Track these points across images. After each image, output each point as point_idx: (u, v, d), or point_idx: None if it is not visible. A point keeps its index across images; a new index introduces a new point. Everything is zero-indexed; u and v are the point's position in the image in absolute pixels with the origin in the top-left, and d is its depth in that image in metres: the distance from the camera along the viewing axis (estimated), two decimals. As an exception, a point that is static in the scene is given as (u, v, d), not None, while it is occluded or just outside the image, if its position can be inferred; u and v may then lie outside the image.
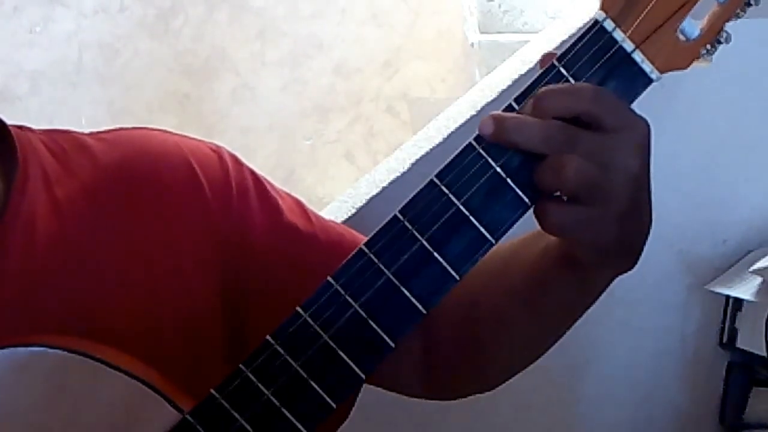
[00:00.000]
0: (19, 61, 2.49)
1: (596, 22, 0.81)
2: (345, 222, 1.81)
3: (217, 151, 1.05)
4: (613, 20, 0.81)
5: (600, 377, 2.13)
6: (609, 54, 0.81)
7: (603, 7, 0.82)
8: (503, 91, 1.88)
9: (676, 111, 1.98)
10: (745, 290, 2.03)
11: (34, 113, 2.47)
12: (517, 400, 2.02)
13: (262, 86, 2.70)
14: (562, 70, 0.81)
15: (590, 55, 0.81)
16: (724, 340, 2.13)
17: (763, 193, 2.12)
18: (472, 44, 2.83)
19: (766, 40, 1.94)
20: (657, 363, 2.15)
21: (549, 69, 0.82)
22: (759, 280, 1.99)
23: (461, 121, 1.88)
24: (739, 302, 2.08)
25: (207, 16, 2.64)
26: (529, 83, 0.82)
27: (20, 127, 1.02)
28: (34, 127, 1.04)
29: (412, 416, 1.92)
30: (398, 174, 1.86)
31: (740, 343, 2.09)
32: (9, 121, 1.01)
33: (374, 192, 1.85)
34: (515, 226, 0.83)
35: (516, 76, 1.90)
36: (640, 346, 2.13)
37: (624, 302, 2.00)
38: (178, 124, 2.53)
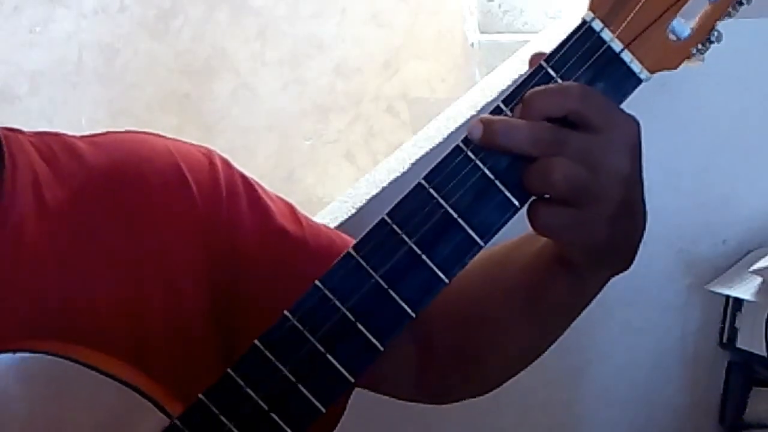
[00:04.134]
0: (19, 61, 2.49)
1: (584, 22, 0.81)
2: (345, 222, 1.81)
3: (208, 155, 1.05)
4: (602, 20, 0.81)
5: (600, 377, 2.13)
6: (597, 54, 0.81)
7: (591, 7, 0.81)
8: (503, 91, 1.87)
9: (676, 111, 1.97)
10: (745, 290, 2.03)
11: (34, 113, 2.47)
12: (517, 401, 2.02)
13: (262, 86, 2.70)
14: (550, 71, 0.81)
15: (578, 55, 0.81)
16: (724, 340, 2.13)
17: (763, 193, 2.12)
18: (472, 44, 2.83)
19: (766, 40, 1.94)
20: (657, 363, 2.15)
21: (537, 70, 0.81)
22: (759, 280, 1.99)
23: (461, 121, 1.88)
24: (739, 302, 2.08)
25: (207, 16, 2.63)
26: (517, 85, 0.81)
27: (10, 129, 1.01)
28: (25, 129, 1.04)
29: (412, 416, 1.92)
30: (398, 174, 1.86)
31: (740, 343, 2.09)
32: (3, 123, 1.01)
33: (374, 192, 1.85)
34: (506, 227, 0.83)
35: (516, 76, 1.90)
36: (640, 346, 2.13)
37: (624, 302, 2.00)
38: (178, 124, 2.52)
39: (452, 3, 2.83)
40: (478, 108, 1.89)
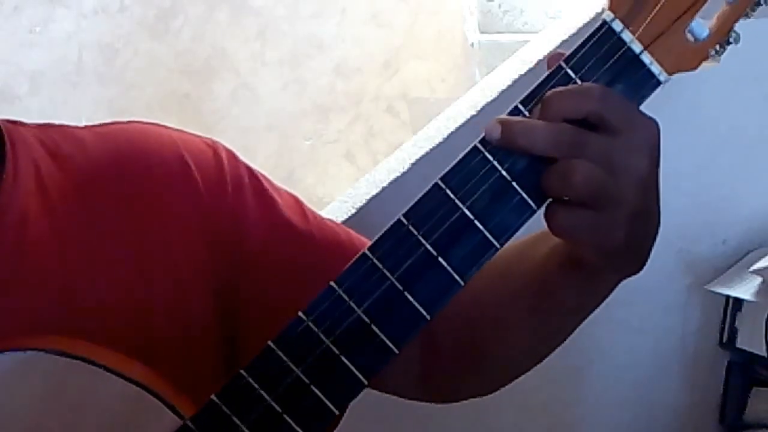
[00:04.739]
0: (19, 61, 2.48)
1: (604, 22, 0.80)
2: (345, 222, 1.80)
3: (213, 146, 1.04)
4: (622, 21, 0.80)
5: (600, 377, 2.13)
6: (617, 56, 0.80)
7: (611, 8, 0.80)
8: (503, 92, 1.88)
9: (676, 111, 1.97)
10: (745, 290, 2.03)
11: (34, 113, 2.45)
12: (518, 401, 2.02)
13: (262, 86, 2.69)
14: (570, 72, 0.80)
15: (598, 56, 0.80)
16: (724, 340, 2.13)
17: (763, 193, 2.12)
18: (472, 44, 2.83)
19: (766, 39, 1.94)
20: (657, 363, 2.15)
21: (556, 71, 0.81)
22: (759, 280, 1.99)
23: (461, 121, 1.88)
24: (739, 302, 2.09)
25: (207, 16, 2.63)
26: (535, 85, 0.81)
27: (12, 122, 1.01)
28: (28, 122, 1.03)
29: (413, 416, 1.92)
30: (398, 174, 1.86)
31: (740, 343, 2.09)
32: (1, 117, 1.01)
33: (374, 192, 1.85)
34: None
35: (516, 77, 1.89)
36: (640, 346, 2.13)
37: (624, 302, 1.98)
38: (178, 124, 2.47)
39: (452, 3, 2.82)
40: (478, 108, 1.89)
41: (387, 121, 2.80)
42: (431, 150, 1.86)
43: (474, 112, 1.89)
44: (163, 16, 2.61)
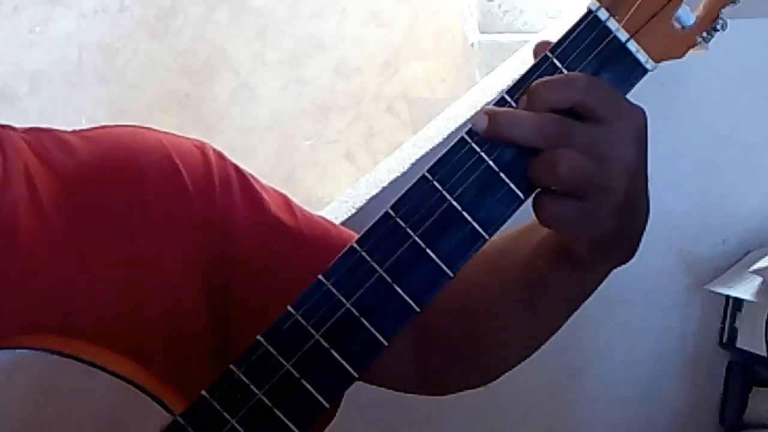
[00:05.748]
0: (19, 61, 2.48)
1: (590, 11, 0.80)
2: (345, 222, 1.81)
3: (201, 147, 1.05)
4: (607, 9, 0.80)
5: (600, 377, 2.13)
6: (603, 44, 0.80)
7: None
8: (503, 91, 1.87)
9: (676, 111, 1.97)
10: (745, 290, 2.03)
11: (33, 113, 2.46)
12: (517, 400, 2.02)
13: (262, 86, 2.69)
14: (556, 62, 0.80)
15: (584, 45, 0.80)
16: (724, 340, 2.13)
17: (763, 193, 2.12)
18: (472, 44, 2.83)
19: (766, 39, 1.94)
20: (657, 363, 2.15)
21: (542, 61, 0.81)
22: (759, 280, 1.99)
23: (461, 121, 1.88)
24: (739, 302, 2.09)
25: (207, 16, 2.63)
26: (522, 75, 0.81)
27: (2, 126, 1.01)
28: (18, 125, 1.03)
29: (412, 415, 1.92)
30: (398, 174, 1.86)
31: (740, 343, 2.09)
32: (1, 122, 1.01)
33: (374, 192, 1.86)
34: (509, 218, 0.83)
35: (516, 77, 1.88)
36: (640, 346, 2.13)
37: (624, 302, 2.00)
38: (178, 124, 2.52)
39: (452, 3, 2.82)
40: (478, 108, 1.88)
41: (387, 121, 2.80)
42: (431, 150, 1.87)
43: (474, 112, 1.88)
44: (163, 16, 2.61)
